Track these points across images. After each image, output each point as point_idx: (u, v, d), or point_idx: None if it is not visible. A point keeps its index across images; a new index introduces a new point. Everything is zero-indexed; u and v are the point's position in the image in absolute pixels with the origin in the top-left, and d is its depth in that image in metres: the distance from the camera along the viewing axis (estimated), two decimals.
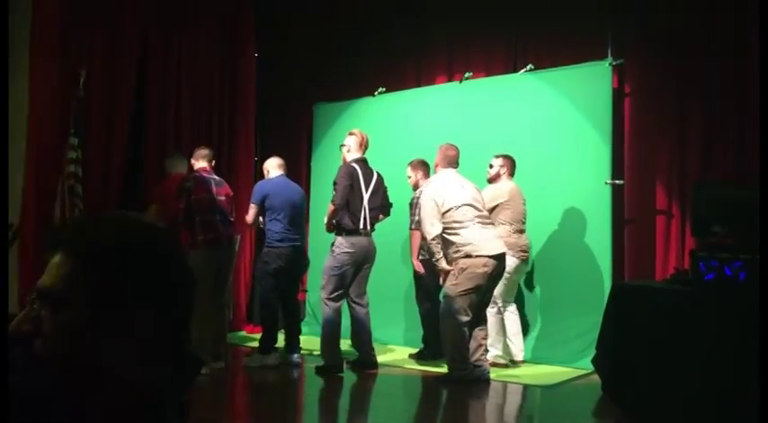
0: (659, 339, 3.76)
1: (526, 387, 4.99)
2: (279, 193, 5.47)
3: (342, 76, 7.56)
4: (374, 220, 5.29)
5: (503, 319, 5.45)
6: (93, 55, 6.36)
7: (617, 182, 5.77)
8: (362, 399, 5.03)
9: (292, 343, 5.56)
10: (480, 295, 4.85)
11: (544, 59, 6.28)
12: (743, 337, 3.44)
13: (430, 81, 7.09)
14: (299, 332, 5.63)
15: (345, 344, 5.46)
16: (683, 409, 3.59)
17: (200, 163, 5.46)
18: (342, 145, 5.41)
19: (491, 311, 5.30)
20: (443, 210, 4.83)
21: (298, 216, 5.50)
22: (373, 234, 5.32)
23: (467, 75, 6.58)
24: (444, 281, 4.98)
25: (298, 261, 5.51)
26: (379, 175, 5.38)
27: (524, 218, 5.56)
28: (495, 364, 5.36)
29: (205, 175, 5.38)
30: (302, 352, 5.69)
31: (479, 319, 4.96)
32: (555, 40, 6.33)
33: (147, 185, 6.77)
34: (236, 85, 7.45)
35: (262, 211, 5.44)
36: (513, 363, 5.50)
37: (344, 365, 5.25)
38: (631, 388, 3.94)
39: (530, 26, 6.54)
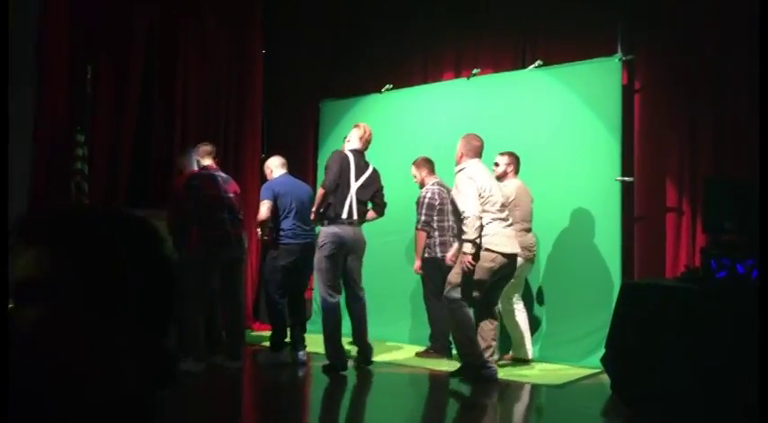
0: (670, 338, 3.70)
1: (534, 386, 4.93)
2: (288, 192, 5.40)
3: (349, 72, 7.53)
4: (362, 212, 5.17)
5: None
6: (100, 52, 6.36)
7: (627, 179, 5.71)
8: (370, 398, 4.99)
9: (297, 340, 5.51)
10: (483, 291, 4.77)
11: (553, 55, 6.21)
12: (755, 335, 3.38)
13: (437, 77, 7.04)
14: (305, 330, 5.59)
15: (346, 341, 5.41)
16: (693, 410, 3.53)
17: (205, 160, 5.40)
18: (345, 138, 5.38)
19: (517, 307, 5.38)
20: (484, 194, 4.74)
21: (307, 213, 5.40)
22: (361, 226, 5.24)
23: (474, 71, 6.52)
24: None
25: (308, 258, 5.39)
26: (375, 170, 5.28)
27: (531, 216, 5.50)
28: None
29: (212, 172, 5.33)
30: (310, 351, 5.62)
31: (486, 317, 4.88)
32: (564, 35, 6.26)
33: (153, 182, 6.78)
34: (243, 83, 7.42)
35: (274, 208, 5.33)
36: (522, 361, 5.45)
37: (348, 363, 5.20)
38: (641, 388, 3.89)
39: (538, 21, 6.48)
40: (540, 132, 6.08)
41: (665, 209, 5.77)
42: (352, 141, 5.24)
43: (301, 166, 7.73)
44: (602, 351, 4.53)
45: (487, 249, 4.68)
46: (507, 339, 5.56)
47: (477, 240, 4.65)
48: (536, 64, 6.18)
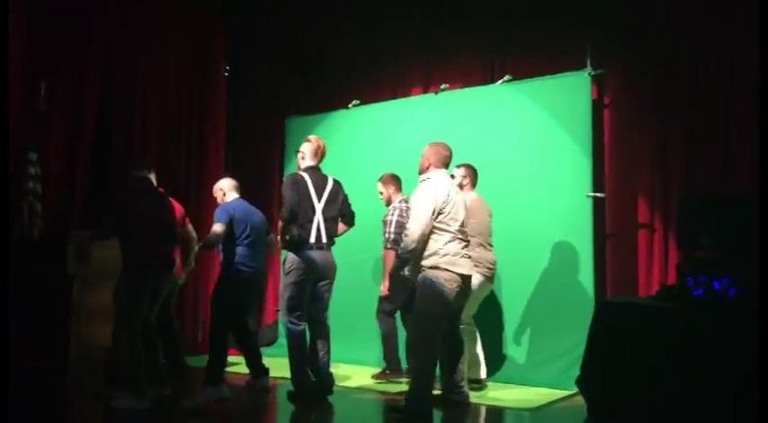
0: (647, 358, 3.57)
1: (508, 410, 4.76)
2: (243, 217, 5.13)
3: (314, 88, 7.38)
4: (331, 232, 4.92)
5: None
6: (55, 69, 6.13)
7: (598, 195, 5.61)
8: None
9: (258, 366, 5.29)
10: (450, 314, 4.51)
11: (522, 70, 6.11)
12: (735, 354, 3.26)
13: (406, 93, 6.92)
14: (259, 355, 5.37)
15: None
16: None
17: (142, 173, 5.02)
18: (297, 151, 5.12)
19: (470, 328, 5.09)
20: (444, 208, 4.37)
21: (261, 240, 5.23)
22: (332, 248, 4.97)
23: (443, 86, 6.41)
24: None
25: (256, 286, 5.29)
26: (335, 182, 5.03)
27: (490, 231, 5.31)
28: None
29: (147, 188, 4.96)
30: (276, 377, 5.37)
31: (453, 342, 4.63)
32: (533, 49, 6.19)
33: (110, 203, 6.53)
34: (205, 101, 7.23)
35: (228, 232, 5.03)
36: (477, 382, 5.20)
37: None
38: (619, 409, 3.74)
39: (508, 36, 6.38)
40: (510, 148, 5.98)
41: (637, 225, 5.67)
42: (306, 158, 4.99)
43: (266, 185, 7.57)
44: (578, 372, 4.39)
45: (446, 270, 4.32)
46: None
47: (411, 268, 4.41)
48: (505, 78, 6.08)
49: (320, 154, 5.02)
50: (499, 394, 5.11)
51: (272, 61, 7.64)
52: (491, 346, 5.73)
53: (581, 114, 5.64)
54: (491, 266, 5.21)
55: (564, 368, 5.33)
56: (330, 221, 4.91)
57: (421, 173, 4.61)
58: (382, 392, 5.27)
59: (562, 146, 5.73)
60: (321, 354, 4.91)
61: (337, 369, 5.61)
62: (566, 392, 5.08)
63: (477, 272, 4.99)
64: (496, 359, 5.75)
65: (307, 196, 4.81)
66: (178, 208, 5.45)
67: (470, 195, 5.25)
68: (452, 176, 5.25)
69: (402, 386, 5.18)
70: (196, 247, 5.64)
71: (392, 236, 5.37)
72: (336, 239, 5.05)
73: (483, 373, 5.27)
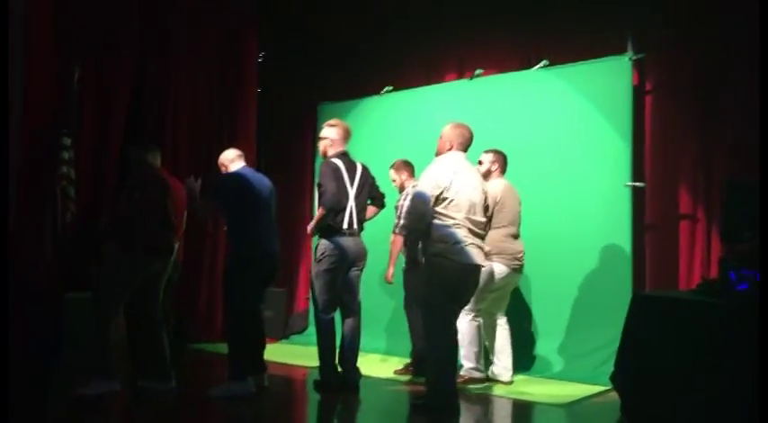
0: (685, 355, 3.39)
1: (537, 405, 4.61)
2: (246, 188, 4.68)
3: (347, 74, 7.30)
4: (361, 218, 4.82)
5: (479, 327, 4.94)
6: (88, 51, 6.13)
7: (637, 184, 5.41)
8: (370, 419, 4.59)
9: (261, 360, 4.83)
10: (458, 305, 4.29)
11: (560, 54, 5.91)
12: None
13: (439, 78, 6.77)
14: (264, 345, 4.88)
15: None
16: None
17: (148, 158, 4.86)
18: (320, 137, 4.96)
19: (465, 318, 4.78)
20: (443, 195, 4.08)
21: (270, 214, 4.81)
22: (362, 234, 4.86)
23: (477, 71, 6.26)
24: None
25: (268, 266, 4.68)
26: (363, 167, 4.91)
27: (519, 221, 5.10)
28: (469, 381, 4.88)
29: (153, 173, 4.80)
30: (303, 364, 5.24)
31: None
32: (572, 33, 6.00)
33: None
34: (236, 86, 7.20)
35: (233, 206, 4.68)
36: (496, 382, 5.00)
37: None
38: (654, 408, 3.57)
39: (545, 19, 6.18)
40: (546, 135, 5.81)
41: (678, 216, 5.47)
42: (335, 144, 4.85)
43: (299, 171, 7.52)
44: (612, 367, 4.22)
45: (452, 259, 4.04)
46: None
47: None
48: (542, 63, 5.89)
49: (348, 138, 4.91)
50: (531, 389, 4.96)
51: (305, 47, 7.57)
52: (524, 339, 5.61)
53: (621, 100, 5.44)
54: (518, 257, 5.01)
55: (599, 363, 5.16)
56: (361, 207, 4.82)
57: (438, 155, 4.37)
58: (411, 383, 5.15)
59: (601, 133, 5.55)
60: (348, 346, 4.79)
61: (367, 359, 5.55)
62: (600, 388, 4.91)
63: (501, 263, 4.88)
64: (529, 353, 5.61)
65: (343, 185, 4.71)
66: (182, 193, 5.10)
67: (500, 183, 5.07)
68: (480, 162, 5.11)
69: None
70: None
71: (402, 221, 5.20)
72: (367, 226, 4.95)
73: (508, 376, 5.04)
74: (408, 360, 5.48)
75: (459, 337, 4.61)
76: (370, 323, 5.72)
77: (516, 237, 5.05)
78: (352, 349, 4.80)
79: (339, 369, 4.78)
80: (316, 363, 4.84)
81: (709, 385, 3.27)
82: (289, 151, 7.69)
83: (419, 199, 4.12)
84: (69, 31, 5.98)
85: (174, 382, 4.62)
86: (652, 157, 5.63)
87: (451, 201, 4.10)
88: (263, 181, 4.84)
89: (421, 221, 4.09)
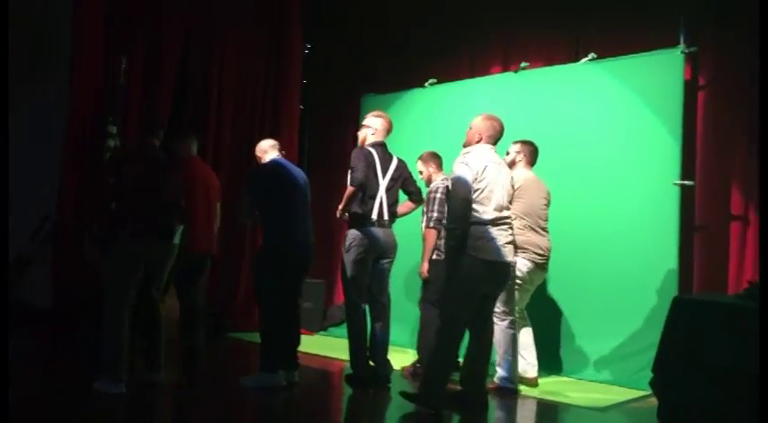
0: (725, 364, 3.23)
1: (574, 408, 4.48)
2: (277, 179, 4.65)
3: (391, 66, 7.26)
4: (393, 210, 4.73)
5: (514, 336, 4.71)
6: (135, 43, 6.23)
7: (686, 183, 5.20)
8: (397, 416, 4.47)
9: (293, 355, 4.69)
10: (477, 305, 4.09)
11: (608, 47, 5.74)
12: None
13: (484, 71, 6.66)
14: (298, 341, 4.75)
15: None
16: None
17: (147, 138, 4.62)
18: (362, 125, 4.92)
19: (500, 325, 4.62)
20: (474, 187, 3.94)
21: (303, 205, 4.70)
22: (393, 226, 4.77)
23: (523, 64, 6.12)
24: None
25: (299, 259, 4.60)
26: (399, 160, 4.83)
27: (543, 214, 4.91)
28: (499, 391, 4.64)
29: (148, 153, 4.52)
30: (335, 357, 5.19)
31: (481, 334, 4.21)
32: (621, 25, 5.80)
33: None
34: (280, 77, 7.23)
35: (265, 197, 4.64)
36: (525, 381, 4.85)
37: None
38: (690, 416, 3.42)
39: (593, 10, 6.01)
40: (593, 131, 5.65)
41: (729, 217, 5.24)
42: (377, 134, 4.81)
43: (342, 163, 7.47)
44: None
45: (475, 256, 3.91)
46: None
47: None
48: (590, 57, 5.73)
49: (389, 131, 4.87)
50: (569, 391, 4.83)
51: (350, 38, 7.54)
52: (564, 340, 5.50)
53: (672, 96, 5.25)
54: (542, 252, 4.82)
55: (640, 367, 5.00)
56: (393, 199, 4.75)
57: (466, 146, 4.22)
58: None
59: (649, 130, 5.37)
60: (378, 339, 4.71)
61: (405, 354, 5.48)
62: (641, 393, 4.76)
63: (523, 257, 4.73)
64: (568, 354, 5.48)
65: (374, 172, 4.66)
66: (216, 182, 5.11)
67: (523, 173, 4.91)
68: (507, 153, 4.99)
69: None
70: (215, 228, 5.12)
71: (435, 214, 5.02)
72: (404, 220, 4.88)
73: (534, 372, 4.90)
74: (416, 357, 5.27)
75: (495, 343, 4.51)
76: (396, 317, 5.63)
77: (538, 231, 4.85)
78: (382, 342, 4.74)
79: (371, 362, 4.72)
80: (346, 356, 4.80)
81: (750, 393, 3.10)
82: (332, 143, 7.68)
83: (462, 193, 3.94)
84: (117, 24, 6.08)
85: (162, 376, 4.41)
86: (703, 155, 5.42)
87: (481, 194, 3.97)
88: (297, 171, 4.80)
89: (466, 218, 3.94)
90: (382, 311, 4.77)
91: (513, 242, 4.12)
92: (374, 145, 4.76)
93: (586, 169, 5.59)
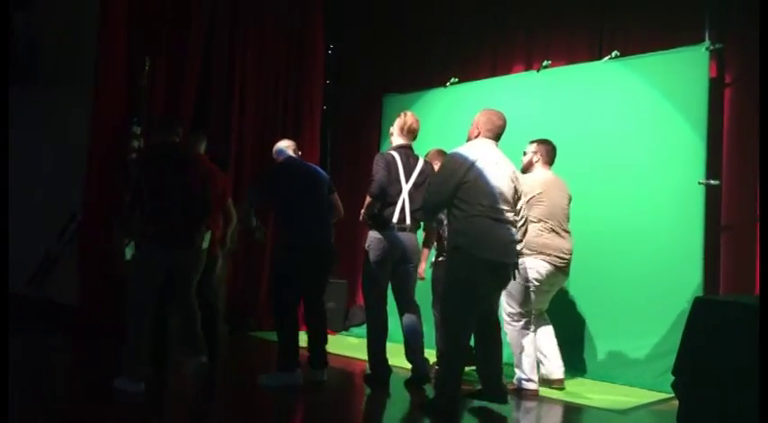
0: (746, 365, 3.15)
1: (594, 410, 4.42)
2: (287, 179, 4.63)
3: (413, 65, 7.25)
4: (417, 216, 4.64)
5: (531, 336, 4.64)
6: (158, 45, 6.29)
7: (712, 182, 5.11)
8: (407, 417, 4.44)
9: (318, 354, 4.65)
10: (479, 303, 3.99)
11: (632, 45, 5.67)
12: None
13: (506, 70, 6.61)
14: (324, 340, 4.69)
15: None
16: None
17: (162, 135, 4.53)
18: (390, 129, 4.91)
19: (515, 326, 4.59)
20: (463, 180, 3.83)
21: (317, 205, 4.67)
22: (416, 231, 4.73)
23: (545, 63, 6.06)
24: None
25: (312, 259, 4.53)
26: (426, 163, 4.77)
27: (565, 215, 4.80)
28: (520, 392, 4.57)
29: (165, 150, 4.47)
30: (354, 357, 5.17)
31: (485, 333, 4.12)
32: (644, 22, 5.72)
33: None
34: (303, 77, 7.27)
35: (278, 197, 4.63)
36: (549, 383, 4.76)
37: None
38: (709, 419, 3.35)
39: (616, 7, 5.94)
40: (616, 129, 5.58)
41: (756, 217, 5.12)
42: (394, 135, 4.78)
43: (363, 163, 7.48)
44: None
45: (470, 253, 3.81)
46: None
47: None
48: (613, 55, 5.65)
49: (407, 130, 4.75)
50: (591, 393, 4.76)
51: (372, 38, 7.55)
52: (585, 341, 5.44)
53: (697, 94, 5.15)
54: (564, 255, 4.71)
55: (665, 369, 4.87)
56: (416, 204, 4.63)
57: (468, 140, 4.15)
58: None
59: (673, 128, 5.28)
60: (411, 341, 4.66)
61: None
62: (663, 396, 4.69)
63: (543, 260, 4.63)
64: (590, 356, 5.41)
65: (396, 176, 4.59)
66: (222, 181, 5.12)
67: (543, 175, 4.81)
68: (524, 153, 4.92)
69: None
70: (233, 225, 5.19)
71: (440, 215, 4.90)
72: None
73: (559, 373, 4.80)
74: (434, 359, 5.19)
75: (511, 344, 4.50)
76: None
77: (560, 233, 4.74)
78: (415, 343, 4.68)
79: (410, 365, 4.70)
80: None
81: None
82: (354, 143, 7.69)
83: (439, 182, 3.94)
84: (141, 24, 6.15)
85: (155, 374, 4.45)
86: (729, 154, 5.31)
87: (472, 188, 3.83)
88: (311, 171, 4.77)
89: (439, 195, 3.90)
90: (411, 314, 4.71)
91: (517, 241, 4.00)
92: (398, 148, 4.71)
93: (609, 168, 5.52)
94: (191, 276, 4.39)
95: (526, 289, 4.60)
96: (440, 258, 5.00)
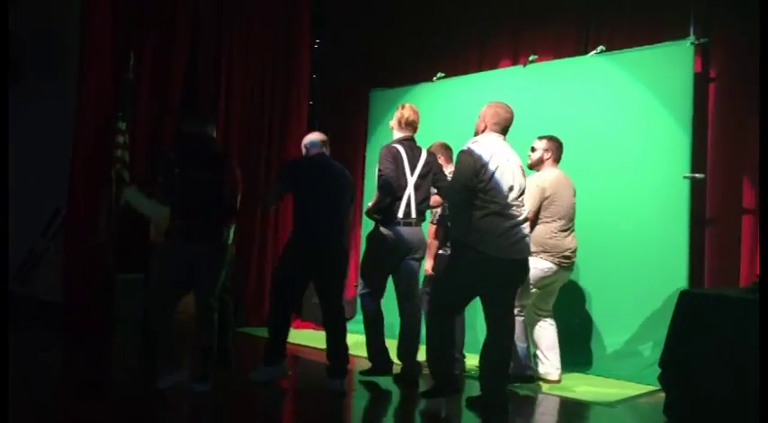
0: (731, 358, 3.19)
1: (581, 404, 4.45)
2: (305, 175, 4.53)
3: (399, 60, 7.23)
4: (422, 208, 4.61)
5: (523, 323, 4.62)
6: (143, 39, 6.25)
7: (697, 176, 5.15)
8: (396, 414, 4.43)
9: (334, 361, 4.45)
10: (468, 298, 4.04)
11: (617, 39, 5.70)
12: None
13: (493, 65, 6.61)
14: (343, 346, 4.45)
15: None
16: None
17: (195, 128, 4.39)
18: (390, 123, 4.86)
19: (547, 321, 4.64)
20: (479, 178, 3.77)
21: (332, 203, 4.54)
22: (421, 224, 4.65)
23: (531, 58, 6.06)
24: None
25: (318, 257, 4.39)
26: (429, 154, 4.72)
27: (573, 214, 4.80)
28: (517, 378, 4.56)
29: (195, 146, 4.34)
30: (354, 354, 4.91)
31: (496, 333, 3.96)
32: (630, 17, 5.75)
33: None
34: (289, 71, 7.23)
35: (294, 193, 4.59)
36: (545, 381, 4.77)
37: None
38: (696, 409, 3.39)
39: (602, 3, 5.95)
40: (602, 124, 5.60)
41: (740, 210, 5.18)
42: (394, 129, 4.74)
43: (350, 157, 7.49)
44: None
45: (474, 250, 3.77)
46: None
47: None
48: (598, 49, 5.66)
49: (406, 123, 4.69)
50: (578, 387, 4.78)
51: (359, 33, 7.53)
52: (573, 335, 5.43)
53: (682, 88, 5.18)
54: (569, 254, 4.71)
55: (650, 362, 4.95)
56: (422, 196, 4.62)
57: (475, 135, 4.09)
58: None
59: (659, 122, 5.31)
60: (406, 338, 4.61)
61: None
62: (650, 388, 4.71)
63: (548, 259, 4.62)
64: (578, 350, 5.43)
65: (401, 170, 4.54)
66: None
67: (553, 174, 4.79)
68: (532, 149, 4.87)
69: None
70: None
71: (440, 210, 4.93)
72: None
73: (556, 375, 4.80)
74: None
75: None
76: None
77: (567, 232, 4.73)
78: (411, 341, 4.62)
79: (399, 361, 4.66)
80: (362, 352, 4.75)
81: (757, 387, 3.06)
82: (341, 137, 7.65)
83: (462, 181, 3.82)
84: (126, 20, 6.11)
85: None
86: (714, 148, 5.35)
87: (487, 186, 3.78)
88: (333, 170, 4.59)
89: (464, 192, 3.81)
90: (411, 310, 4.65)
91: (525, 238, 3.94)
92: (401, 141, 4.66)
93: (595, 162, 5.53)
94: (213, 276, 4.22)
95: (527, 285, 4.55)
96: (439, 251, 4.93)
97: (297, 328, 6.55)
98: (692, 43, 5.16)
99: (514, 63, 6.43)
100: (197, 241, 4.12)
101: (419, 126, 4.79)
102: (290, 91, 7.19)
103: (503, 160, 3.87)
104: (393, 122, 4.78)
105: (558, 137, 4.97)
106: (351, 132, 7.61)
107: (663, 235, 5.17)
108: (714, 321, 3.36)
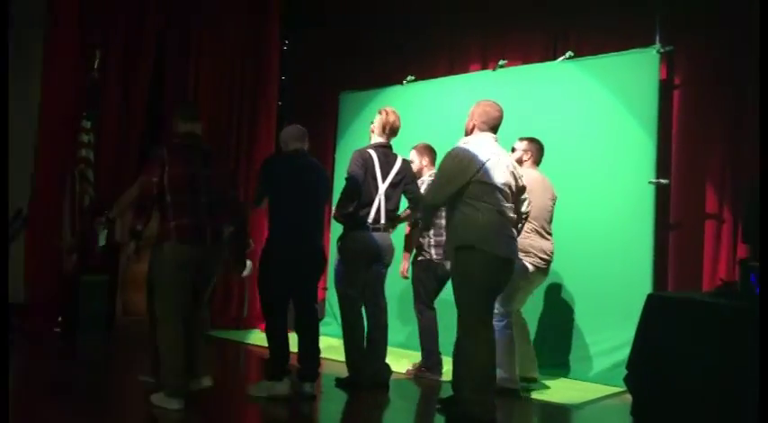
0: (698, 360, 3.26)
1: (548, 405, 4.49)
2: (278, 177, 4.30)
3: (369, 62, 7.23)
4: (392, 216, 4.58)
5: (511, 335, 4.55)
6: (109, 37, 6.17)
7: (662, 181, 5.24)
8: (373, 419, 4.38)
9: (305, 365, 4.29)
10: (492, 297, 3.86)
11: (585, 46, 5.78)
12: None
13: (463, 69, 6.65)
14: (315, 348, 4.32)
15: None
16: None
17: (183, 126, 4.08)
18: (371, 122, 4.79)
19: (498, 326, 4.37)
20: (474, 178, 3.68)
21: (310, 207, 4.34)
22: (390, 230, 4.63)
23: (501, 62, 6.12)
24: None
25: (296, 263, 4.19)
26: (404, 161, 4.68)
27: (549, 216, 4.79)
28: (502, 390, 4.35)
29: (187, 142, 4.04)
30: (327, 357, 4.90)
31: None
32: (597, 24, 5.84)
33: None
34: (258, 72, 7.19)
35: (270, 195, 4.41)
36: (528, 380, 4.76)
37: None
38: (664, 411, 3.45)
39: (570, 9, 6.03)
40: (569, 129, 5.65)
41: (703, 215, 5.29)
42: (375, 133, 4.67)
43: (319, 159, 7.46)
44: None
45: (479, 248, 3.64)
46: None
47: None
48: (567, 55, 5.74)
49: (390, 129, 4.63)
50: (544, 389, 4.83)
51: (329, 35, 7.51)
52: (541, 338, 5.49)
53: (647, 95, 5.27)
54: (546, 257, 4.70)
55: (617, 363, 5.02)
56: (393, 203, 4.58)
57: (465, 134, 3.99)
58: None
59: (625, 128, 5.39)
60: (374, 342, 4.60)
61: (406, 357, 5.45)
62: (616, 389, 4.79)
63: (527, 261, 4.59)
64: (547, 352, 5.47)
65: (372, 175, 4.50)
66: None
67: (531, 174, 4.68)
68: (513, 150, 4.83)
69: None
70: None
71: (418, 214, 4.79)
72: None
73: (535, 372, 4.85)
74: (419, 360, 5.16)
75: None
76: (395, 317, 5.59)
77: (543, 234, 4.71)
78: (378, 346, 4.60)
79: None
80: (328, 354, 4.75)
81: (722, 389, 3.13)
82: (310, 139, 7.57)
83: (448, 173, 3.76)
84: (92, 20, 6.01)
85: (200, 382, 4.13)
86: (678, 154, 5.46)
87: (482, 185, 3.70)
88: (308, 170, 4.35)
89: (442, 194, 3.76)
90: (377, 316, 4.64)
91: (516, 239, 3.91)
92: (376, 146, 4.61)
93: (562, 167, 5.53)
94: (208, 278, 4.06)
95: (510, 287, 4.40)
96: (419, 258, 4.96)
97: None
98: (657, 51, 5.25)
99: (484, 67, 6.48)
100: (196, 242, 3.87)
101: None
102: (259, 91, 7.14)
103: (496, 160, 3.78)
104: (375, 126, 4.69)
105: (539, 139, 4.94)
106: (320, 134, 7.56)
107: (629, 238, 5.25)
108: (680, 324, 3.42)
